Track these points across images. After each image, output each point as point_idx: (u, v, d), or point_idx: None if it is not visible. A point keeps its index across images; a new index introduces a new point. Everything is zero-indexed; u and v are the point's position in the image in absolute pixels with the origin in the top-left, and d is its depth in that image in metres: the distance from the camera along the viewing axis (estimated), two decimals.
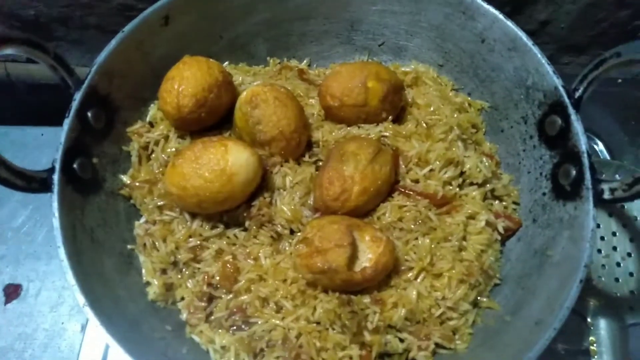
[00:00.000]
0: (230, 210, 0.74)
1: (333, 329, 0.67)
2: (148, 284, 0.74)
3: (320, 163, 0.78)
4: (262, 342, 0.68)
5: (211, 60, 0.79)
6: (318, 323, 0.68)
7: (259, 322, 0.69)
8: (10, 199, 1.03)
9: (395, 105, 0.83)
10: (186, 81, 0.74)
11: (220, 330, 0.70)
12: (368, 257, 0.68)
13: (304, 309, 0.69)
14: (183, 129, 0.80)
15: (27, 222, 1.03)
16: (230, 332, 0.70)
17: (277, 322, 0.69)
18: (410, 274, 0.71)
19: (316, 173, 0.77)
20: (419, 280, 0.71)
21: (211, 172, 0.67)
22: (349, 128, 0.81)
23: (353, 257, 0.67)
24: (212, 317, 0.71)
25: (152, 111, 0.84)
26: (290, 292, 0.70)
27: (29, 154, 1.09)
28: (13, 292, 0.94)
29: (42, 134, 1.13)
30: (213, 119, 0.80)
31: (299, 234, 0.73)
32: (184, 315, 0.72)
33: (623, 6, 0.98)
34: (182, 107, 0.74)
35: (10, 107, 1.17)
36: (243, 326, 0.70)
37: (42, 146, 1.11)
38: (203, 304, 0.72)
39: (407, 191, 0.77)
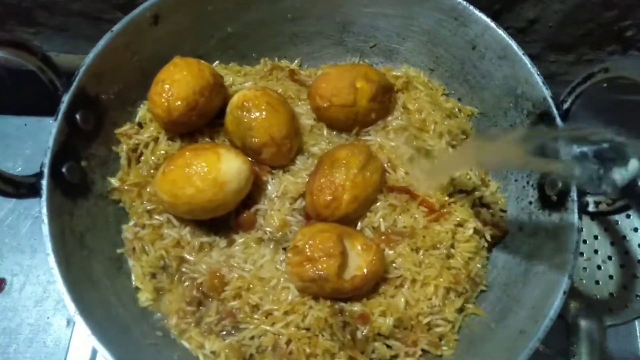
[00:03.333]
0: (221, 216, 0.74)
1: (323, 336, 0.68)
2: (138, 288, 0.74)
3: (312, 169, 0.78)
4: (252, 347, 0.69)
5: (202, 61, 0.78)
6: (308, 329, 0.69)
7: (249, 328, 0.70)
8: None
9: (384, 106, 0.82)
10: (177, 84, 0.73)
11: (210, 336, 0.70)
12: (358, 266, 0.68)
13: (294, 315, 0.69)
14: (173, 131, 0.79)
15: (10, 215, 1.02)
16: (220, 337, 0.70)
17: (267, 327, 0.69)
18: (398, 282, 0.72)
19: (307, 179, 0.77)
20: (406, 288, 0.72)
21: (203, 181, 0.67)
22: (341, 134, 0.81)
23: (343, 266, 0.68)
24: (202, 322, 0.71)
25: (141, 112, 0.83)
26: (279, 299, 0.70)
27: (11, 145, 1.08)
28: None
29: (25, 124, 1.10)
30: (203, 122, 0.79)
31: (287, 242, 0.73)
32: (173, 320, 0.72)
33: (609, 7, 0.99)
34: (172, 111, 0.73)
35: None
36: (233, 331, 0.70)
37: (25, 137, 1.09)
38: (192, 308, 0.72)
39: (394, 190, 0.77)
